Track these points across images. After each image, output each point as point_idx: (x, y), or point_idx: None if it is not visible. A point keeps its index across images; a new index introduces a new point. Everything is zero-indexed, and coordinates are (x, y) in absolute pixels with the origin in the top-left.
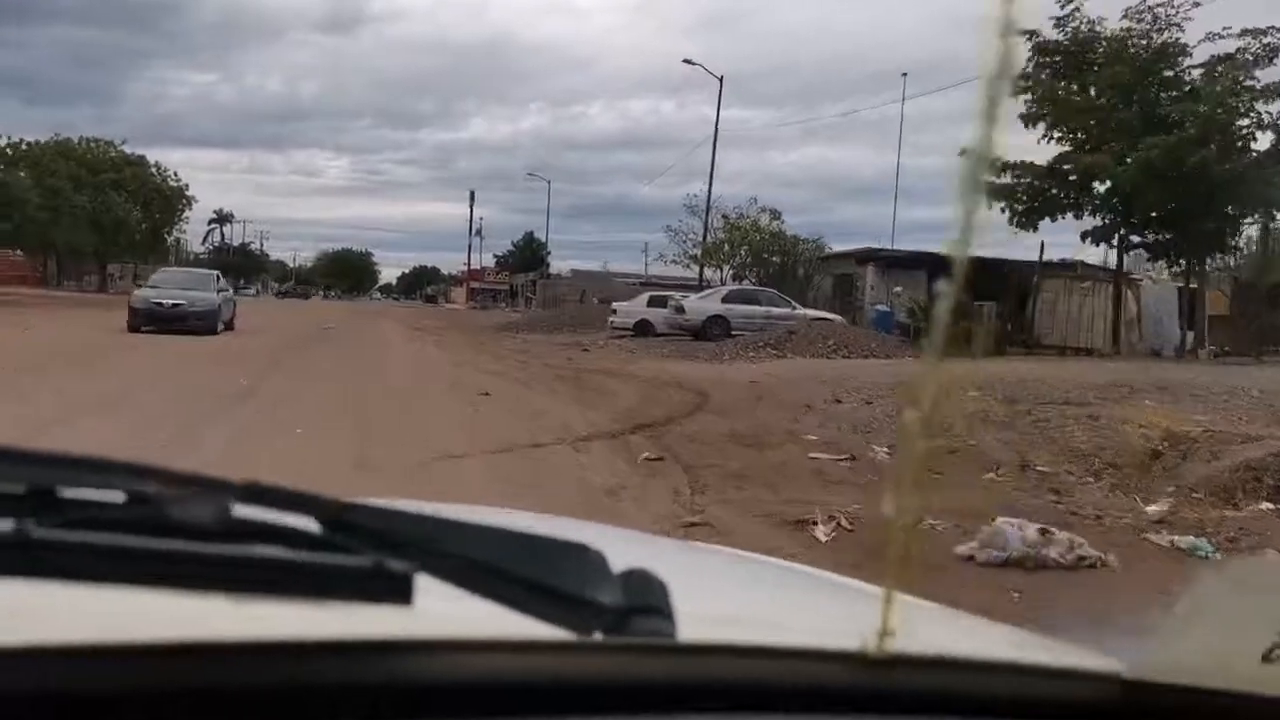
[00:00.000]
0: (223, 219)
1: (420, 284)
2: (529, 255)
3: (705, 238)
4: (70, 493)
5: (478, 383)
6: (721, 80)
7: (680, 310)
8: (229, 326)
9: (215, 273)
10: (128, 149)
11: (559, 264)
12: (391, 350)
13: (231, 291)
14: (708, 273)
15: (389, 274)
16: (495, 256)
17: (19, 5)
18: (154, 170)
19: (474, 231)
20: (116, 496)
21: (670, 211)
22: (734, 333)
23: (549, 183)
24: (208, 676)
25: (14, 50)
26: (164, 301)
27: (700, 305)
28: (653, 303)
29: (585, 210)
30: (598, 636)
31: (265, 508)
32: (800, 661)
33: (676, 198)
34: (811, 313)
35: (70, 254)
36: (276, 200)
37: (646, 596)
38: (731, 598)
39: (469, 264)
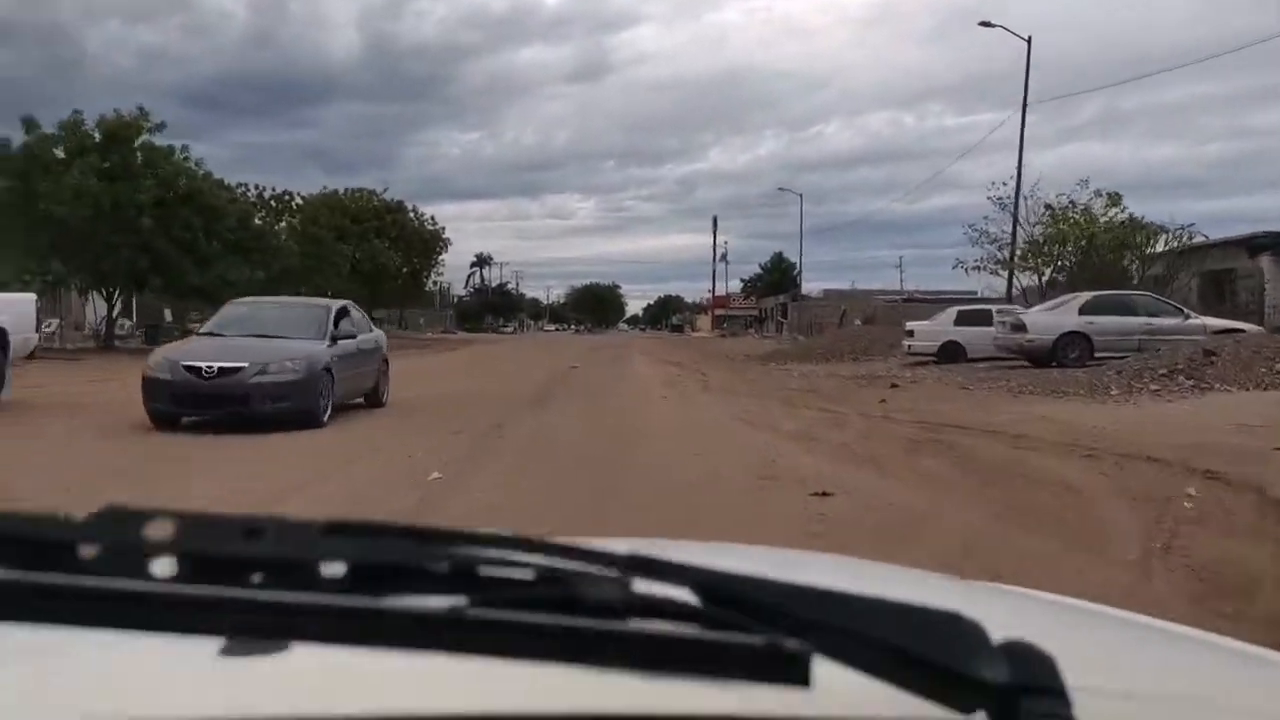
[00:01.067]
0: (482, 262)
1: (665, 314)
2: (777, 277)
3: (1015, 237)
4: (487, 570)
5: (791, 461)
6: (1029, 41)
7: (1019, 328)
8: (377, 401)
9: (334, 304)
10: (389, 196)
11: (807, 285)
12: (650, 402)
13: (375, 332)
14: (998, 282)
15: (634, 305)
16: (742, 281)
17: (320, 88)
18: (413, 215)
19: (719, 257)
20: (527, 574)
21: (917, 226)
22: (1098, 354)
23: (800, 196)
24: None
25: (314, 128)
26: (205, 365)
27: (1048, 320)
28: (963, 320)
29: (826, 231)
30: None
31: (650, 578)
32: None
33: (923, 212)
34: (1215, 322)
35: None
36: (533, 244)
37: (1034, 672)
38: (1123, 668)
39: (713, 291)
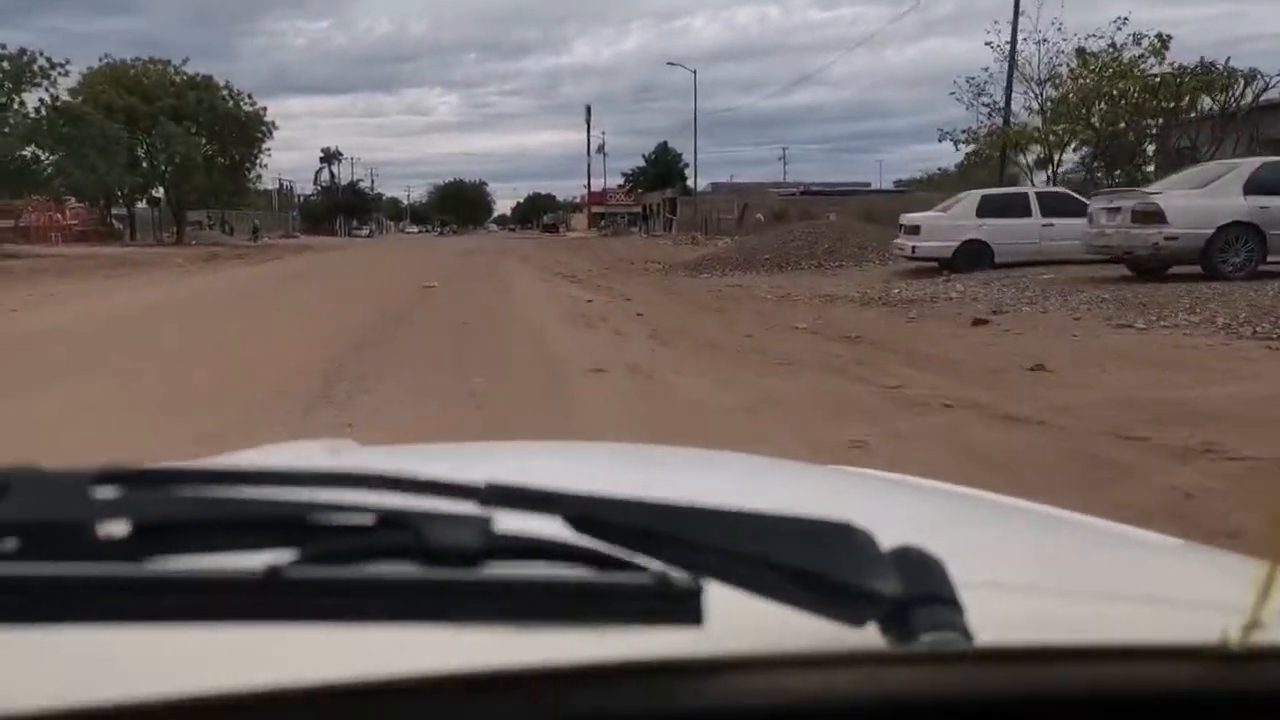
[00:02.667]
0: (330, 157)
1: (536, 213)
2: (662, 169)
3: (1010, 93)
4: (314, 518)
5: None
6: None
7: (1149, 216)
8: None
9: None
10: (191, 69)
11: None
12: (576, 385)
13: None
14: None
15: (503, 205)
16: (624, 175)
17: None
18: (225, 93)
19: (595, 149)
20: (364, 519)
21: (785, 121)
22: (1272, 258)
23: (694, 73)
24: (510, 712)
25: (136, 13)
26: None
27: (1198, 205)
28: (989, 209)
29: (689, 129)
30: (875, 632)
31: (511, 509)
32: (1136, 663)
33: (790, 107)
34: None
35: (153, 203)
36: (391, 141)
37: (925, 580)
38: (1019, 566)
39: (589, 186)
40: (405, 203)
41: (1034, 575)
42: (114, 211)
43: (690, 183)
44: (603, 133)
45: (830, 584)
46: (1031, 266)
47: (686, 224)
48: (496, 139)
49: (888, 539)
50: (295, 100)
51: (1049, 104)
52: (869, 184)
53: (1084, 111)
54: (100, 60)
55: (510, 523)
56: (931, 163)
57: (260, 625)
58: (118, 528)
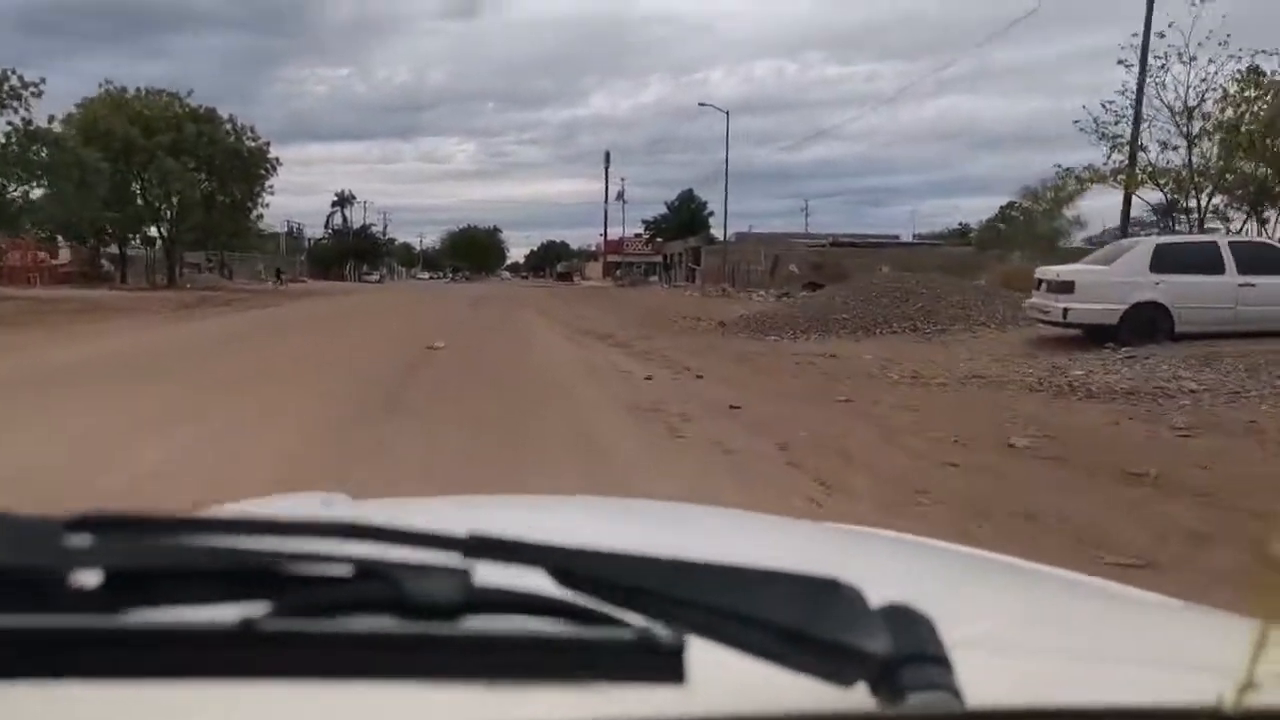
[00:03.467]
0: (343, 200)
1: (549, 261)
2: (686, 218)
3: (1137, 125)
4: (292, 567)
5: None
6: None
7: None
8: None
9: None
10: (195, 102)
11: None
12: (620, 472)
13: None
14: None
15: (516, 253)
16: (644, 222)
17: (176, 14)
18: (228, 127)
19: (614, 195)
20: (342, 570)
21: (803, 175)
22: None
23: (727, 114)
24: None
25: (169, 58)
26: None
27: None
28: (1166, 261)
29: (710, 179)
30: (864, 692)
31: (493, 561)
32: None
33: (806, 161)
34: None
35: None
36: (406, 187)
37: (915, 639)
38: (1011, 625)
39: (605, 234)
40: (418, 248)
41: (1027, 634)
42: (107, 251)
43: (715, 232)
44: (622, 179)
45: (817, 642)
46: (1225, 339)
47: (712, 275)
48: (513, 187)
49: (877, 595)
50: (315, 146)
51: (1207, 132)
52: (896, 235)
53: (1270, 143)
54: (100, 87)
55: (492, 575)
56: (946, 218)
57: (234, 681)
58: (90, 577)
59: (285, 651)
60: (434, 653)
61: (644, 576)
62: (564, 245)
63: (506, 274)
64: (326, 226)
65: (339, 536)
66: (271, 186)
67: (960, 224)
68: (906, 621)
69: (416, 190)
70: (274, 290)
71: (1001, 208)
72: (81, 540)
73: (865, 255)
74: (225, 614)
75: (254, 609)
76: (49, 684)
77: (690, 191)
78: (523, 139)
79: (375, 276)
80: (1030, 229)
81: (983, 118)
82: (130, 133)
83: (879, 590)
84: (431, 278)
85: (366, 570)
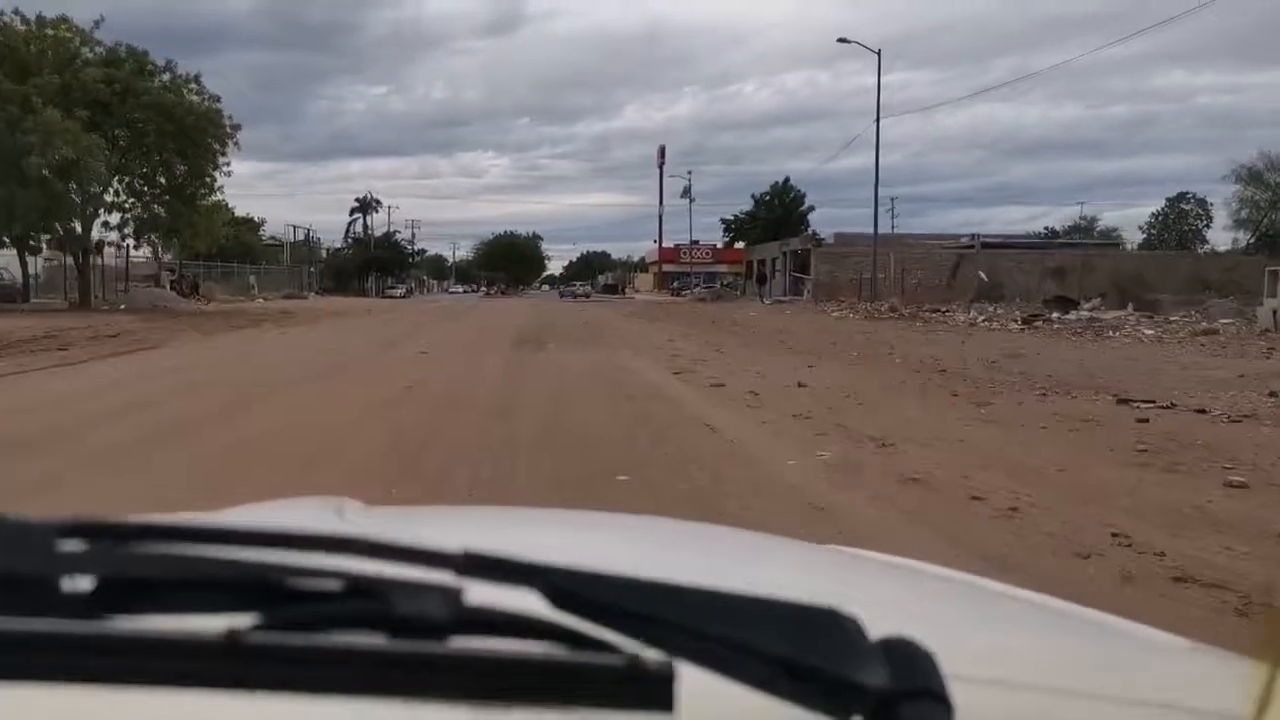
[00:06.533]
0: (366, 206)
1: (590, 272)
2: (777, 214)
3: None
4: (282, 580)
5: None
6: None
7: None
8: None
9: None
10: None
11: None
12: None
13: None
14: None
15: (553, 265)
16: (724, 221)
17: (215, 35)
18: (164, 76)
19: (680, 194)
20: (333, 584)
21: (833, 185)
22: None
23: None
24: None
25: (209, 78)
26: None
27: None
28: None
29: (741, 190)
30: None
31: (486, 580)
32: None
33: (839, 171)
34: None
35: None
36: (443, 202)
37: (914, 673)
38: (1015, 662)
39: (660, 239)
40: (451, 259)
41: (1030, 672)
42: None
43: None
44: (689, 172)
45: (812, 673)
46: None
47: (825, 286)
48: (547, 200)
49: (878, 626)
50: (355, 162)
51: None
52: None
53: None
54: None
55: (483, 594)
56: (971, 227)
57: (218, 692)
58: (81, 583)
59: (271, 665)
60: (421, 671)
61: (636, 600)
62: (604, 255)
63: (544, 287)
64: (346, 235)
65: (331, 550)
66: (228, 166)
67: (1046, 229)
68: (907, 655)
69: (452, 205)
70: (192, 311)
71: (1170, 200)
72: (74, 546)
73: (1016, 258)
74: (213, 625)
75: (242, 621)
76: (34, 687)
77: (787, 180)
78: (555, 153)
79: (400, 290)
80: None
81: (1019, 124)
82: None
83: (881, 620)
84: (465, 291)
85: (357, 586)
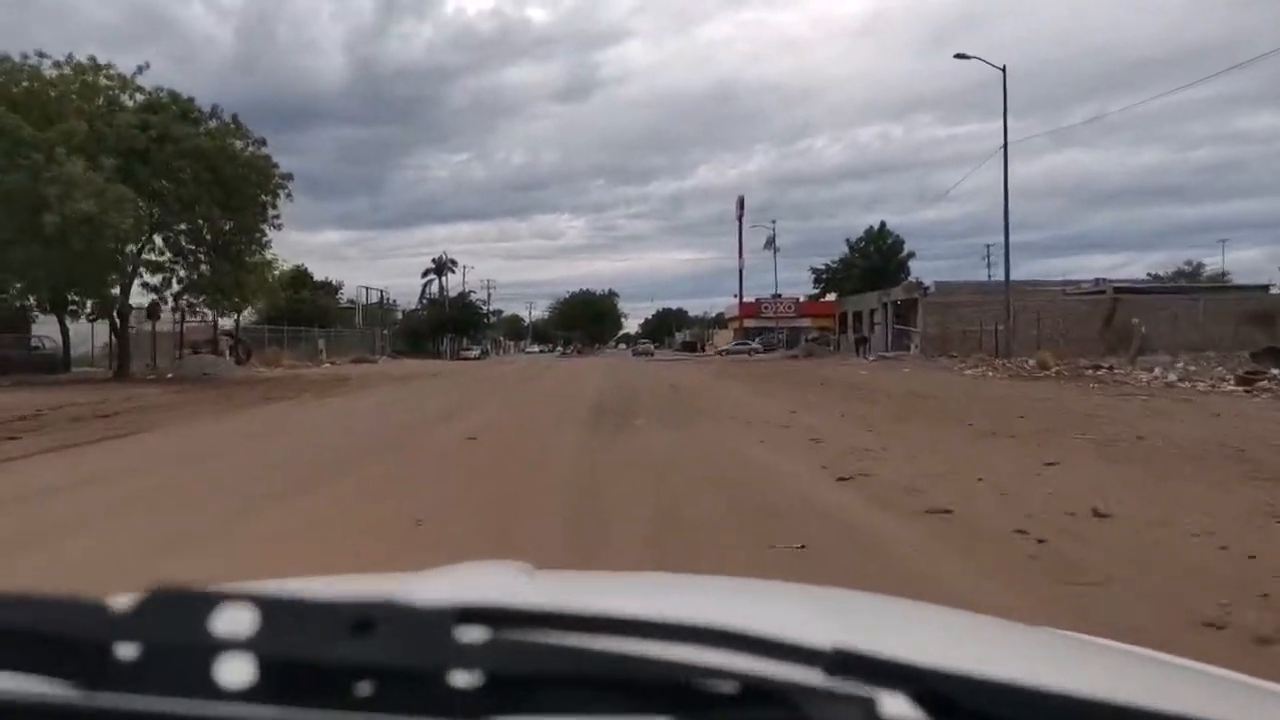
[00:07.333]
0: (441, 267)
1: (665, 329)
2: (874, 262)
3: None
4: (691, 682)
5: None
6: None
7: None
8: None
9: None
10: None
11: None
12: None
13: None
14: None
15: (629, 323)
16: (813, 271)
17: (307, 113)
18: (210, 124)
19: (764, 245)
20: (729, 686)
21: (910, 237)
22: None
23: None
24: None
25: (301, 154)
26: None
27: None
28: None
29: (813, 246)
30: None
31: (858, 679)
32: None
33: (913, 223)
34: None
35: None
36: (522, 264)
37: None
38: None
39: (740, 294)
40: (527, 320)
41: None
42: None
43: (915, 278)
44: (773, 221)
45: None
46: None
47: (934, 339)
48: (622, 260)
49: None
50: (440, 228)
51: None
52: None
53: None
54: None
55: (888, 705)
56: (1058, 275)
57: None
58: (470, 678)
59: None
60: None
61: (1033, 713)
62: (681, 312)
63: (621, 346)
64: (421, 296)
65: (708, 645)
66: (278, 219)
67: (1222, 273)
68: None
69: (530, 266)
70: (238, 380)
71: None
72: (470, 634)
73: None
74: None
75: None
76: None
77: (883, 225)
78: (630, 213)
79: (475, 351)
80: None
81: (1098, 172)
82: (11, 122)
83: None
84: (542, 350)
85: (756, 688)
